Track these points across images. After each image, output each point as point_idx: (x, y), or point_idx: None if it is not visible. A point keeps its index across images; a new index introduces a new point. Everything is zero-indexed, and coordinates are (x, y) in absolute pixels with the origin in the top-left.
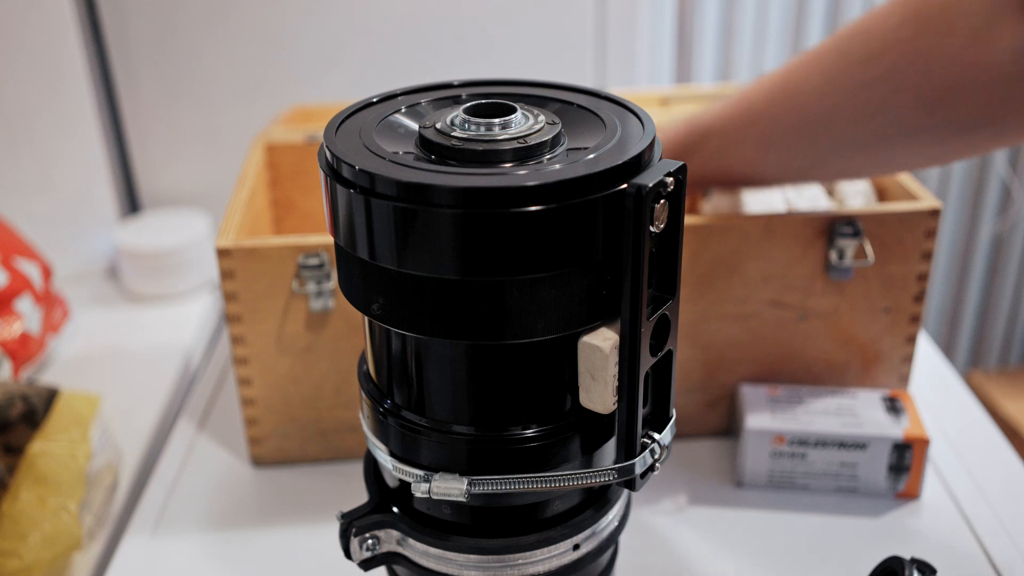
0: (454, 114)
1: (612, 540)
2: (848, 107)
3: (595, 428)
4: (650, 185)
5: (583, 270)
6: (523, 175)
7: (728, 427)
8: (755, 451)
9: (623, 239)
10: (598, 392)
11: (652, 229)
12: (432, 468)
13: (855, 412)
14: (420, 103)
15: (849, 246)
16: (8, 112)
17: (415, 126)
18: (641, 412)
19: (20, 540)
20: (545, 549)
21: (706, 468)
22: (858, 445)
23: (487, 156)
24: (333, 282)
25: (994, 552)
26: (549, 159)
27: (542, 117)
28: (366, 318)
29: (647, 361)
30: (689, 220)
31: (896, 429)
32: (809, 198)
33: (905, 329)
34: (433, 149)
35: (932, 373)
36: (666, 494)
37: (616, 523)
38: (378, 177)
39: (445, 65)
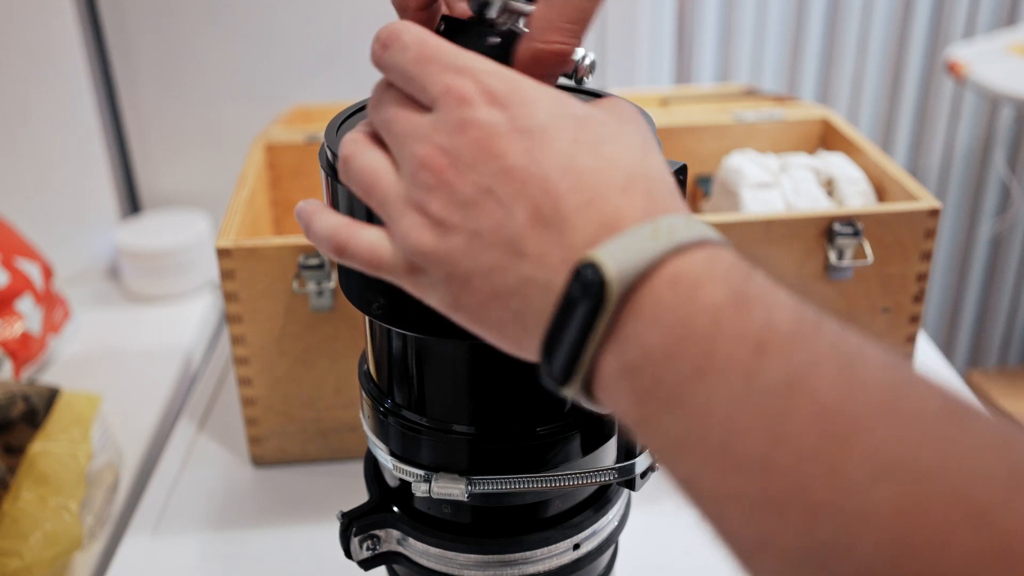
0: None
1: (612, 540)
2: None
3: (595, 428)
4: None
5: None
6: None
7: None
8: None
9: None
10: None
11: None
12: (432, 468)
13: None
14: None
15: (849, 246)
16: (8, 112)
17: None
18: None
19: (21, 540)
20: (545, 549)
21: None
22: None
23: None
24: (333, 282)
25: None
26: None
27: None
28: (366, 318)
29: None
30: None
31: None
32: (809, 198)
33: (904, 329)
34: None
35: (931, 373)
36: (666, 494)
37: (616, 523)
38: None
39: None
